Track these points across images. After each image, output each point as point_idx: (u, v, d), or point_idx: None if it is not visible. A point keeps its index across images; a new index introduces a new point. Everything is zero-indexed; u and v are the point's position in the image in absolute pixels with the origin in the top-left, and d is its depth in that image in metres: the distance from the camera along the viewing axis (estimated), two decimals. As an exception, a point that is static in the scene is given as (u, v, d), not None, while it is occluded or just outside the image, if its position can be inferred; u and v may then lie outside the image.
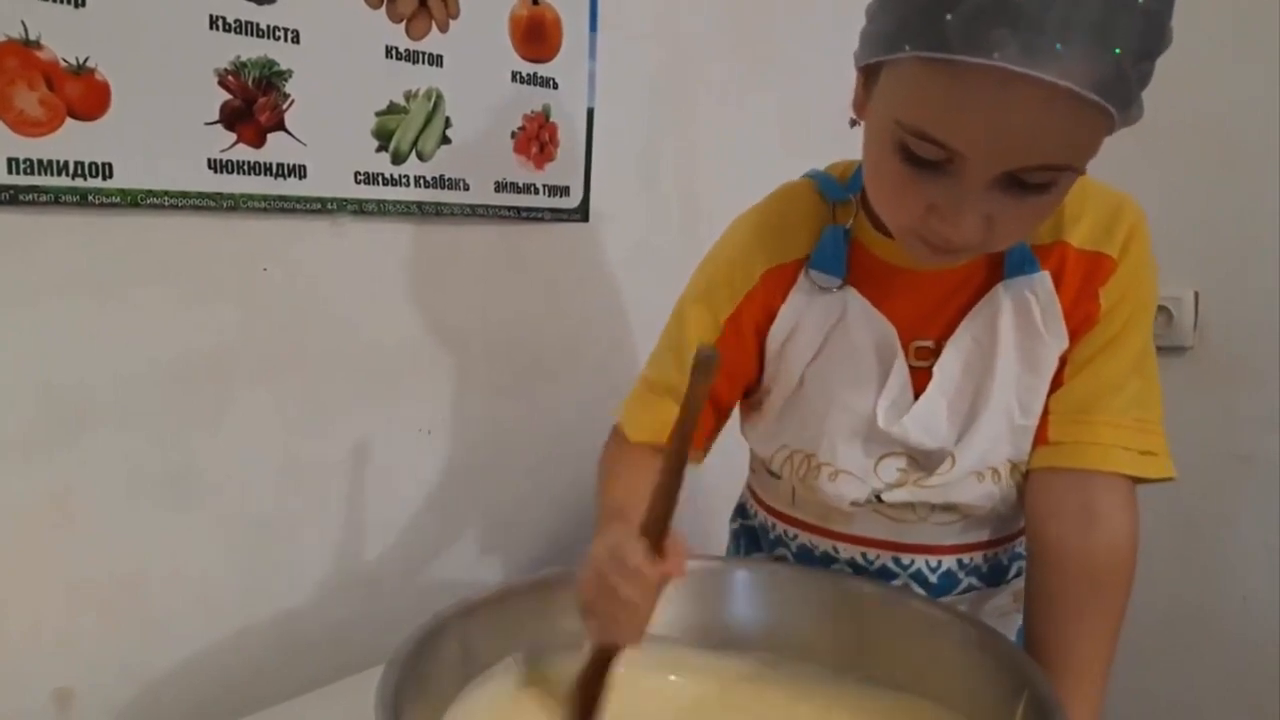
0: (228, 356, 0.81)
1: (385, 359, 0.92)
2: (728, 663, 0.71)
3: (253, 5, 0.77)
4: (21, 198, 0.67)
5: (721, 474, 0.90)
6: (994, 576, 0.80)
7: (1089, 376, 0.70)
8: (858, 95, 0.62)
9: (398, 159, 0.89)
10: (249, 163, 0.78)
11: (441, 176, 0.92)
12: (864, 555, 0.78)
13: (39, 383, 0.71)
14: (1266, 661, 1.39)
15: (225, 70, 0.76)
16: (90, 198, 0.70)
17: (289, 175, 0.81)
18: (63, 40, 0.67)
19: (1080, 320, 0.70)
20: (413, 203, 0.91)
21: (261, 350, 0.83)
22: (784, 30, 1.30)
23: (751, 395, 0.81)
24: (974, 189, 0.56)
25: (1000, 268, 0.70)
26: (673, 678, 0.70)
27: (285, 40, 0.79)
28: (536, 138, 1.00)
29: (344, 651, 0.90)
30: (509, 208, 0.99)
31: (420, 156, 0.90)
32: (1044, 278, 0.69)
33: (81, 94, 0.69)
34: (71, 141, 0.69)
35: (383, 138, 0.87)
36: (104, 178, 0.71)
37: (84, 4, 0.68)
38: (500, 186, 0.98)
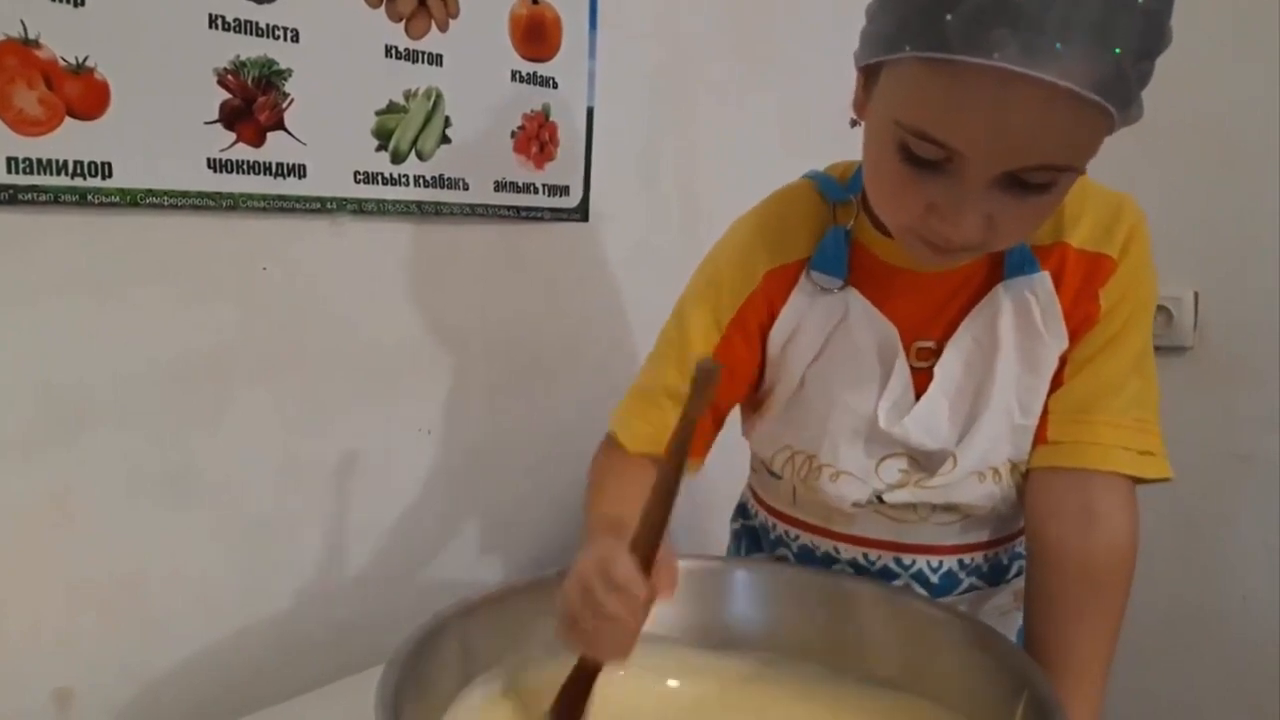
0: (227, 356, 0.81)
1: (385, 358, 0.92)
2: (728, 663, 0.71)
3: (252, 4, 0.77)
4: (21, 197, 0.67)
5: (722, 474, 0.89)
6: (994, 576, 0.80)
7: (1089, 376, 0.70)
8: (858, 95, 0.62)
9: (397, 158, 0.89)
10: (248, 162, 0.78)
11: (441, 176, 0.92)
12: (865, 556, 0.78)
13: (38, 382, 0.71)
14: (1266, 661, 1.39)
15: (225, 69, 0.76)
16: (89, 197, 0.70)
17: (288, 175, 0.81)
18: (62, 39, 0.67)
19: (1080, 320, 0.70)
20: (412, 202, 0.91)
21: (261, 350, 0.83)
22: (784, 30, 1.30)
23: (752, 396, 0.81)
24: (974, 189, 0.56)
25: (1000, 268, 0.70)
26: (672, 679, 0.70)
27: (285, 39, 0.79)
28: (536, 137, 1.00)
29: (344, 651, 0.90)
30: (509, 207, 0.99)
31: (420, 156, 0.90)
32: (1044, 278, 0.69)
33: (81, 93, 0.69)
34: (71, 141, 0.69)
35: (382, 137, 0.87)
36: (103, 177, 0.71)
37: (83, 3, 0.68)
38: (500, 186, 0.98)
